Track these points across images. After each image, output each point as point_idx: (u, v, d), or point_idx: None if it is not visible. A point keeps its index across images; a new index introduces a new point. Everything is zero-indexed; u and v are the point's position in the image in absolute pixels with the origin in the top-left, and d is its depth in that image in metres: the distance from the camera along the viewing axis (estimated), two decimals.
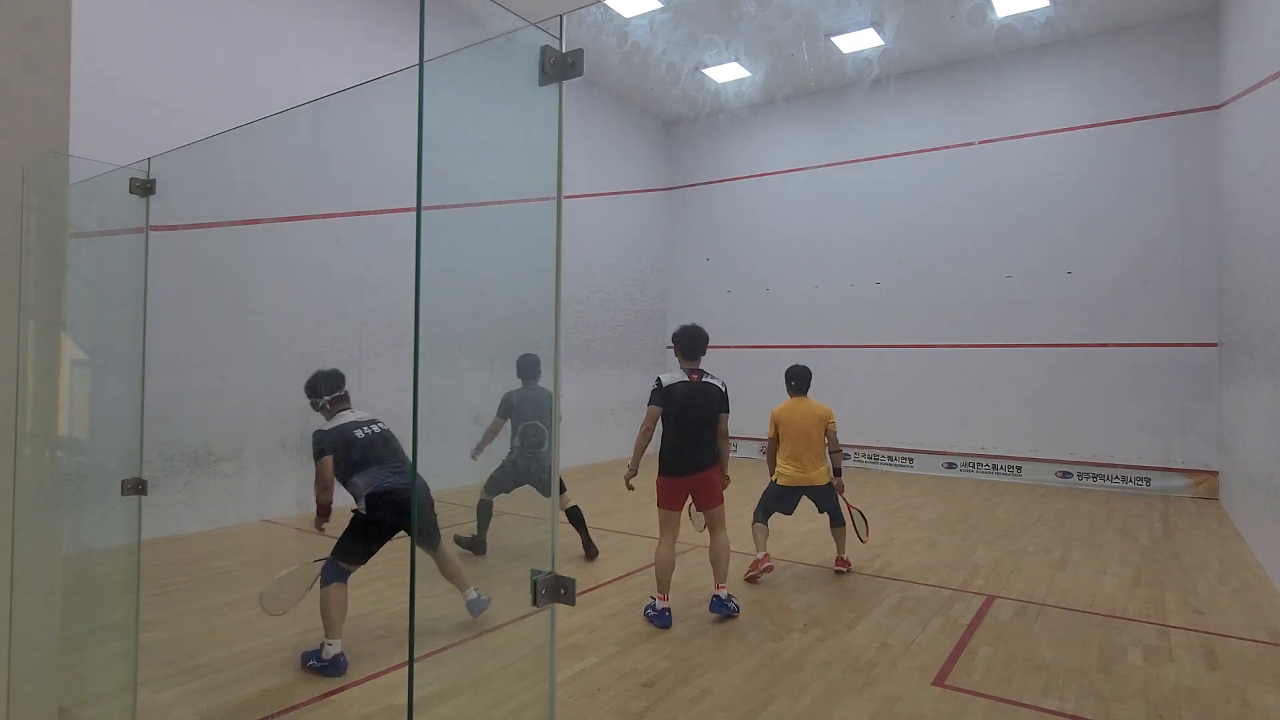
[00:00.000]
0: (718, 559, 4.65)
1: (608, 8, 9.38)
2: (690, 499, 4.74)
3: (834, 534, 5.65)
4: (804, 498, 5.59)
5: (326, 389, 4.38)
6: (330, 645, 3.73)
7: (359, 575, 5.43)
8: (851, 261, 11.78)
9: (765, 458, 5.84)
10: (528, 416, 5.61)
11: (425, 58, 1.52)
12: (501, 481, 5.82)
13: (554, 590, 1.62)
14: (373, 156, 7.89)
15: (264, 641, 4.14)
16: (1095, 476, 9.81)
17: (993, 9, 9.33)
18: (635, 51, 10.67)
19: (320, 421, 4.31)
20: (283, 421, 7.59)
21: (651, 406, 4.68)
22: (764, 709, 3.39)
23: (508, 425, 5.71)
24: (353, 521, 4.17)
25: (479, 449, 5.89)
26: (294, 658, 3.91)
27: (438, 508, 6.55)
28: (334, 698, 3.45)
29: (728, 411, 4.75)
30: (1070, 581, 5.51)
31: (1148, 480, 9.50)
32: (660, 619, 4.45)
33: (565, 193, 1.69)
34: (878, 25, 9.86)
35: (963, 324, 10.83)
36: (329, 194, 8.00)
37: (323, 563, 4.07)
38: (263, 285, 7.43)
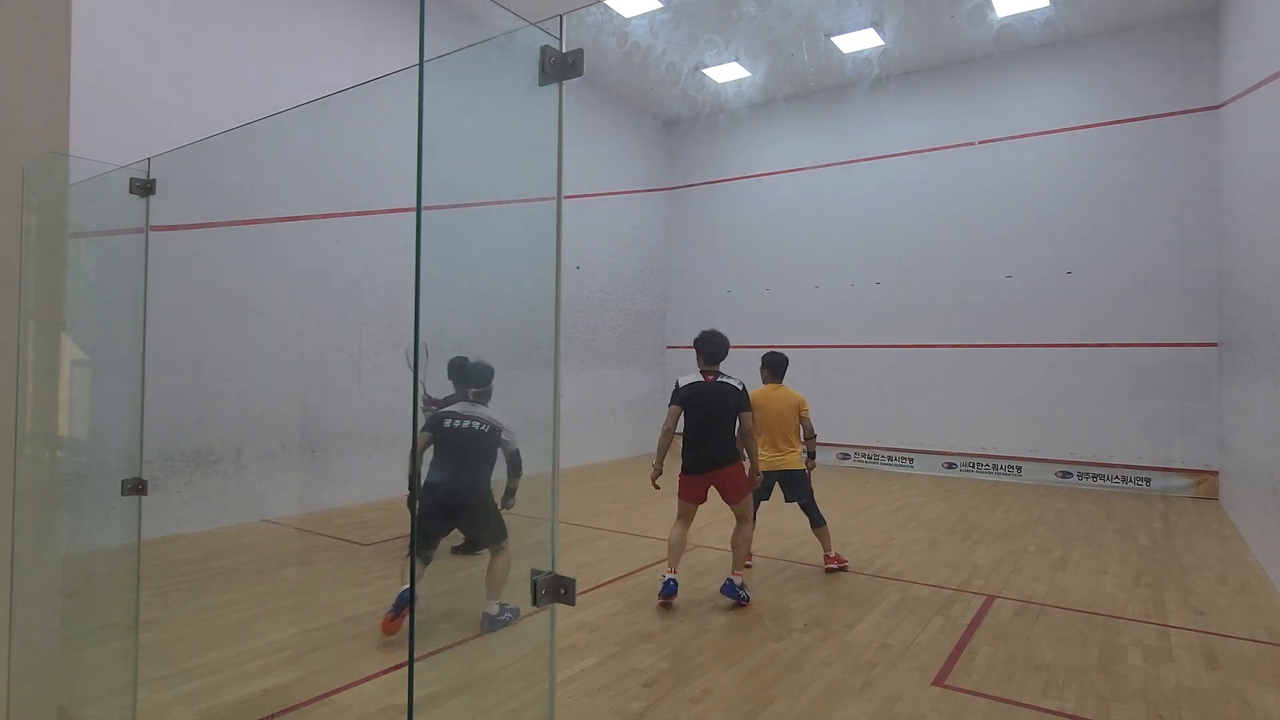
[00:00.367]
0: (737, 546, 4.93)
1: (608, 8, 9.38)
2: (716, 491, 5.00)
3: (816, 534, 5.70)
4: (776, 484, 5.67)
5: (466, 380, 4.42)
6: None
7: (359, 575, 5.45)
8: (851, 261, 11.78)
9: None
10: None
11: (425, 58, 1.52)
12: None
13: (554, 590, 1.62)
14: (372, 156, 7.89)
15: (264, 641, 4.14)
16: (1095, 476, 9.81)
17: (993, 9, 9.33)
18: (635, 51, 10.67)
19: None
20: (283, 421, 7.59)
21: (671, 407, 4.98)
22: (764, 709, 3.39)
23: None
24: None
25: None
26: (294, 657, 3.91)
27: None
28: (334, 698, 3.45)
29: (748, 410, 4.92)
30: (1070, 581, 5.51)
31: (1148, 480, 9.50)
32: (665, 588, 4.76)
33: (565, 193, 1.69)
34: (878, 25, 9.86)
35: (963, 324, 10.83)
36: (329, 194, 8.00)
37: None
38: (263, 285, 7.43)
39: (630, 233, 12.89)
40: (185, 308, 6.68)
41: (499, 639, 4.18)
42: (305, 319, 7.78)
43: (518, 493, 4.28)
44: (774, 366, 5.84)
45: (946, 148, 11.04)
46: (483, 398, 4.33)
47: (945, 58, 10.87)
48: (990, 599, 5.07)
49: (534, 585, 1.62)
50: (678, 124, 13.77)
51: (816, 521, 5.67)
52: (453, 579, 5.42)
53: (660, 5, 9.33)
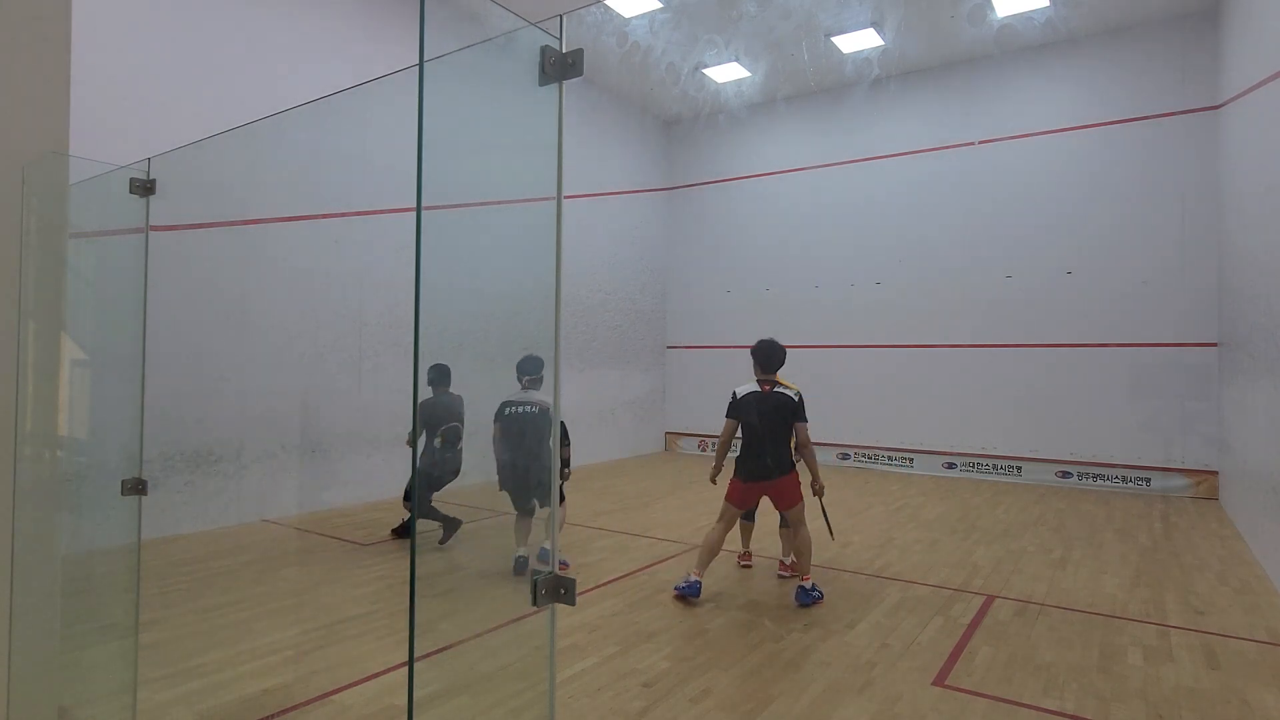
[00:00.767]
0: (799, 553, 4.95)
1: (608, 8, 9.38)
2: (768, 500, 5.06)
3: (781, 534, 5.57)
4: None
5: (522, 371, 5.02)
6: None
7: (359, 575, 5.45)
8: (851, 261, 11.78)
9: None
10: (443, 420, 5.91)
11: (425, 58, 1.52)
12: (439, 484, 6.07)
13: (554, 590, 1.62)
14: (372, 156, 7.89)
15: (264, 641, 4.14)
16: (1095, 476, 9.81)
17: (993, 9, 9.33)
18: (635, 51, 10.67)
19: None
20: (283, 421, 7.60)
21: (728, 420, 5.03)
22: (764, 709, 3.39)
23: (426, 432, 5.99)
24: None
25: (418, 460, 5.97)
26: (294, 657, 3.91)
27: (443, 508, 6.55)
28: (334, 698, 3.45)
29: (804, 420, 4.95)
30: (1070, 581, 5.51)
31: (1148, 480, 9.50)
32: (690, 589, 4.81)
33: (565, 193, 1.69)
34: (878, 25, 9.86)
35: (963, 324, 10.83)
36: (329, 194, 8.00)
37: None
38: (263, 285, 7.43)
39: (630, 233, 12.89)
40: (185, 308, 6.68)
41: (499, 639, 4.17)
42: (305, 319, 7.78)
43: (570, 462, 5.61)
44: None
45: (946, 148, 11.04)
46: (535, 384, 4.97)
47: (945, 58, 10.87)
48: (990, 599, 5.07)
49: (534, 585, 1.62)
50: (678, 124, 13.77)
51: (787, 523, 5.49)
52: (453, 578, 5.42)
53: (660, 5, 9.33)
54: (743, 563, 5.81)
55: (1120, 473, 9.66)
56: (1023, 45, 10.36)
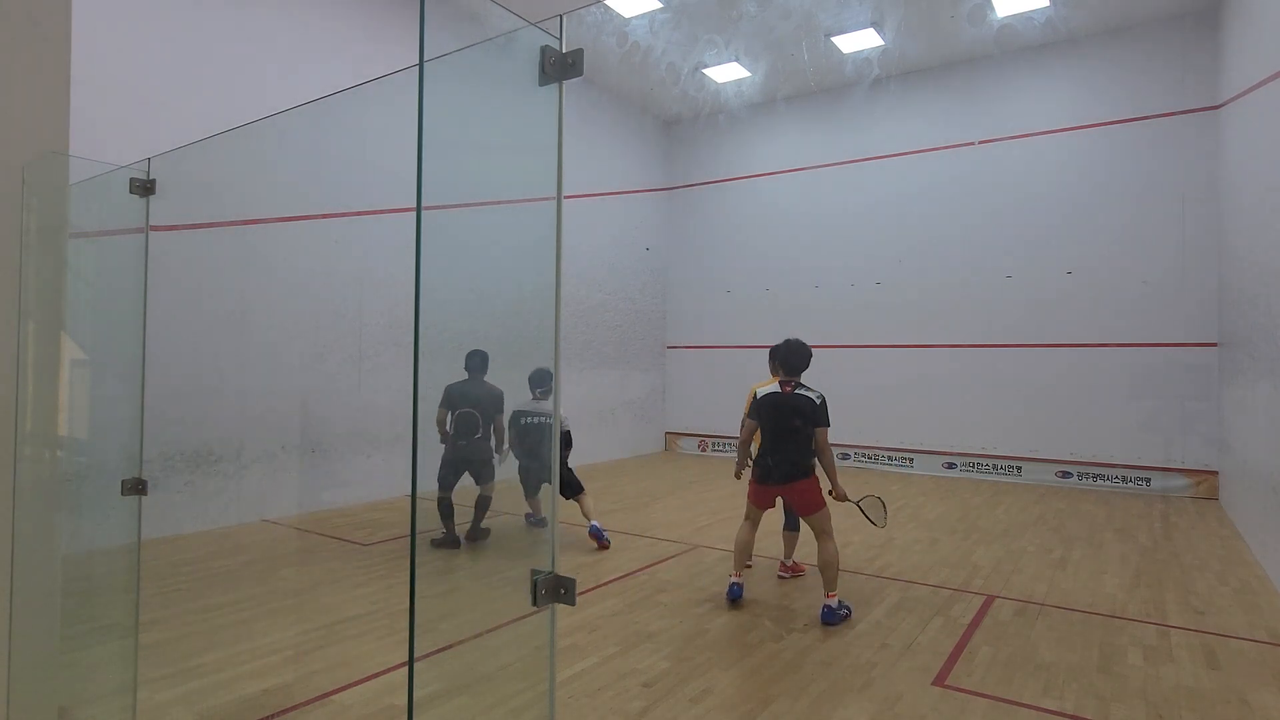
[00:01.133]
0: (824, 567, 4.66)
1: (608, 8, 9.38)
2: (783, 501, 5.06)
3: (785, 536, 5.54)
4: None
5: (534, 384, 5.53)
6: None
7: (359, 575, 5.45)
8: (851, 261, 11.78)
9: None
10: (459, 406, 6.01)
11: (425, 58, 1.52)
12: (444, 476, 6.12)
13: (554, 590, 1.62)
14: (373, 156, 7.89)
15: (264, 641, 4.14)
16: (1095, 476, 9.81)
17: (993, 9, 9.33)
18: (635, 51, 10.67)
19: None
20: (283, 421, 7.59)
21: (749, 420, 5.03)
22: (764, 709, 3.39)
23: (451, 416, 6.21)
24: None
25: (443, 443, 6.04)
26: (294, 657, 3.91)
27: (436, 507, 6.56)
28: (334, 698, 3.45)
29: (825, 424, 4.79)
30: (1070, 581, 5.51)
31: (1148, 480, 9.50)
32: (730, 591, 4.86)
33: (565, 193, 1.69)
34: (878, 25, 9.86)
35: (963, 324, 10.83)
36: (329, 194, 8.00)
37: None
38: (263, 285, 7.43)
39: (630, 233, 12.89)
40: (185, 308, 6.68)
41: (499, 639, 4.17)
42: (305, 319, 7.78)
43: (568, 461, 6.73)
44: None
45: (946, 148, 11.04)
46: (545, 396, 5.52)
47: (945, 58, 10.87)
48: (990, 599, 5.07)
49: (534, 585, 1.61)
50: (677, 124, 13.77)
51: (793, 525, 5.52)
52: (453, 578, 5.42)
53: (660, 5, 9.33)
54: (781, 573, 5.61)
55: (1120, 473, 9.66)
56: (1023, 45, 10.36)
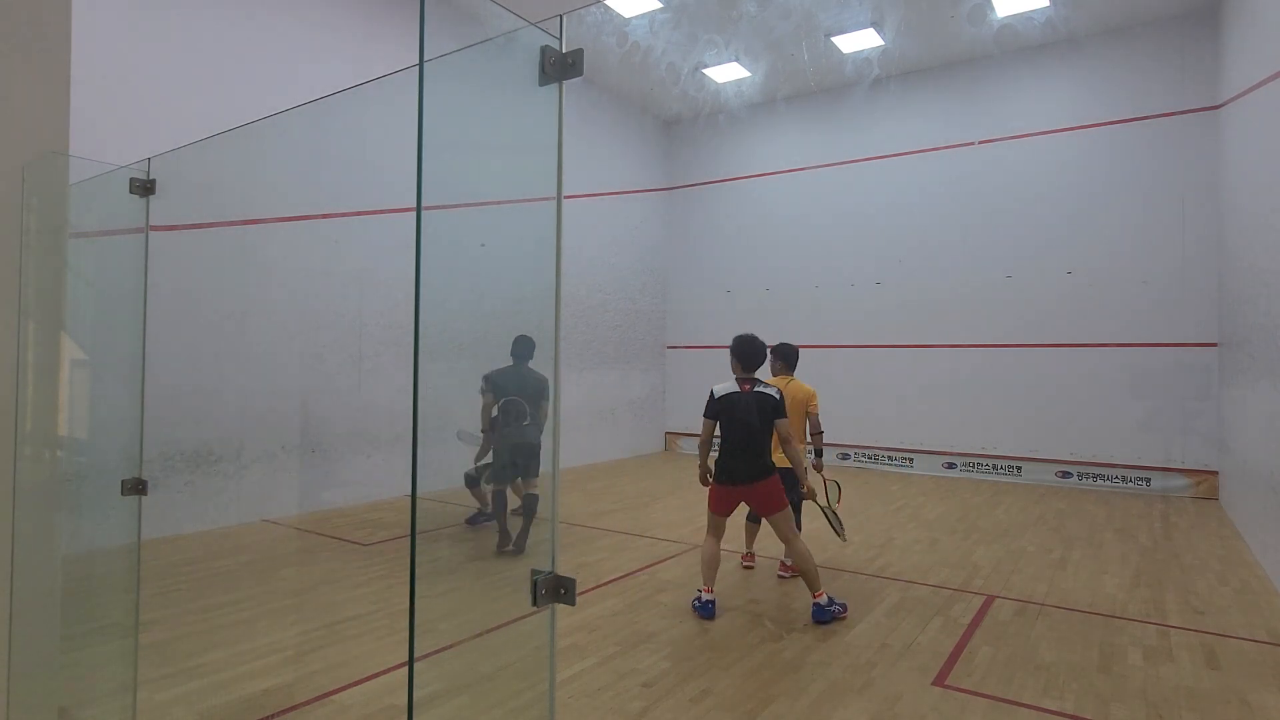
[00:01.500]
0: (801, 570, 4.60)
1: (608, 8, 9.38)
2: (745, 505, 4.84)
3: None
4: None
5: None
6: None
7: (359, 575, 5.45)
8: (851, 261, 11.78)
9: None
10: (509, 392, 5.95)
11: (425, 58, 1.52)
12: (501, 470, 6.19)
13: (554, 590, 1.62)
14: (372, 156, 7.89)
15: (264, 641, 4.14)
16: (1095, 476, 9.81)
17: (993, 9, 9.33)
18: (635, 51, 10.67)
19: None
20: (283, 421, 7.59)
21: (707, 420, 4.80)
22: (764, 709, 3.39)
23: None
24: None
25: (485, 433, 5.95)
26: (294, 657, 3.91)
27: (438, 509, 6.60)
28: (334, 698, 3.45)
29: (784, 416, 4.74)
30: (1070, 581, 5.51)
31: (1148, 480, 9.50)
32: (704, 609, 4.63)
33: (565, 193, 1.69)
34: (878, 25, 9.86)
35: (963, 324, 10.83)
36: (329, 194, 8.00)
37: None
38: (263, 285, 7.43)
39: (630, 233, 12.89)
40: (185, 308, 6.68)
41: (499, 639, 4.18)
42: (305, 319, 7.79)
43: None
44: (787, 358, 5.68)
45: (946, 148, 11.04)
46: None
47: (945, 58, 10.87)
48: (990, 599, 5.07)
49: (534, 585, 1.61)
50: (678, 124, 13.76)
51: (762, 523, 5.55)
52: (453, 578, 5.41)
53: (660, 5, 9.33)
54: (745, 564, 5.78)
55: (1120, 473, 9.66)
56: (1023, 45, 10.36)
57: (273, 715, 3.28)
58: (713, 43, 10.50)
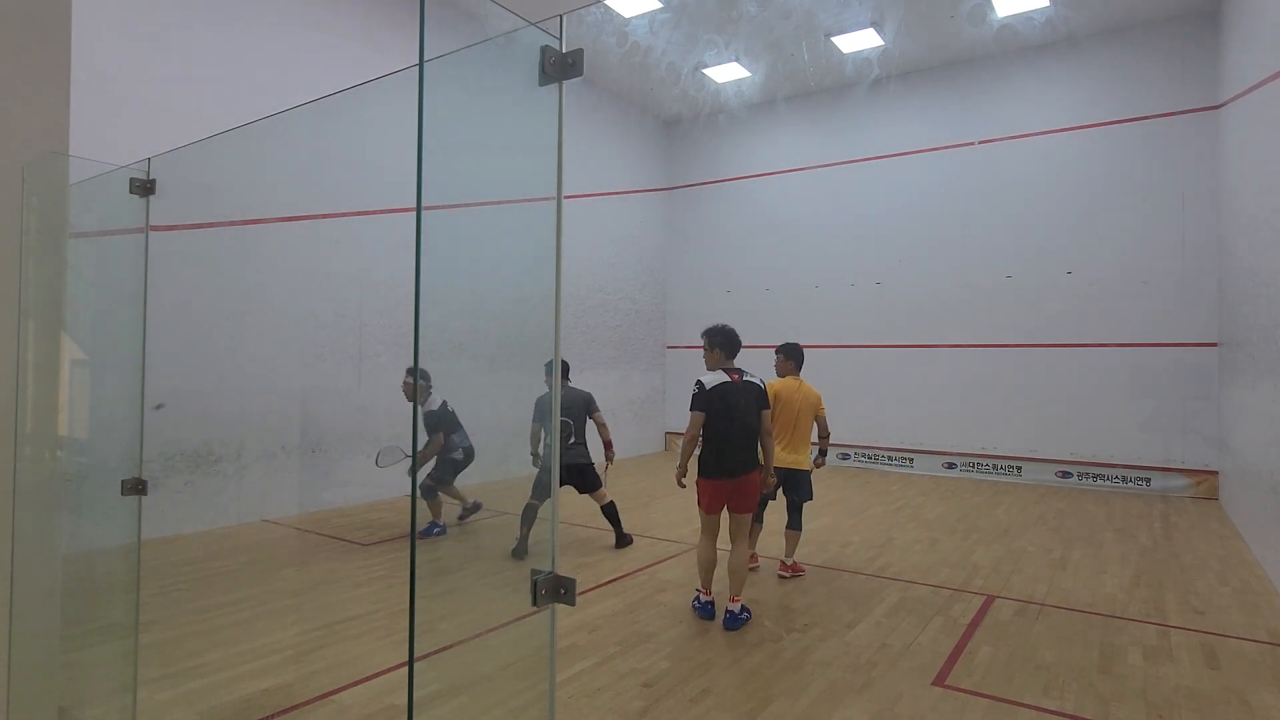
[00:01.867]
0: (734, 570, 4.51)
1: (608, 8, 9.38)
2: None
3: (786, 535, 5.52)
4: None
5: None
6: None
7: (360, 574, 5.45)
8: (851, 261, 11.78)
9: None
10: (563, 412, 6.15)
11: (425, 58, 1.52)
12: (546, 485, 6.10)
13: (554, 590, 1.62)
14: (372, 156, 7.89)
15: (264, 641, 4.14)
16: (1095, 476, 9.81)
17: (993, 9, 9.33)
18: (635, 51, 10.67)
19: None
20: (283, 421, 7.59)
21: (696, 413, 4.55)
22: (764, 709, 3.39)
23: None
24: None
25: (534, 455, 5.91)
26: (294, 657, 3.91)
27: (437, 509, 6.61)
28: (334, 698, 3.45)
29: (769, 409, 4.69)
30: (1070, 581, 5.51)
31: (1148, 480, 9.50)
32: (704, 610, 4.60)
33: (565, 193, 1.69)
34: (878, 25, 9.86)
35: (962, 324, 10.83)
36: (329, 194, 8.00)
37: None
38: (263, 285, 7.43)
39: (630, 233, 12.89)
40: (185, 308, 6.68)
41: (499, 639, 4.18)
42: (305, 319, 7.78)
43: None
44: (796, 357, 5.55)
45: (946, 148, 11.04)
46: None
47: (945, 58, 10.87)
48: (990, 599, 5.07)
49: (534, 585, 1.61)
50: (678, 124, 13.76)
51: (795, 524, 5.50)
52: (453, 578, 5.41)
53: (660, 5, 9.33)
54: (781, 573, 5.57)
55: (1120, 473, 9.66)
56: (1023, 45, 10.36)
57: (273, 715, 3.28)
58: (713, 43, 10.50)
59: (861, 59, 10.89)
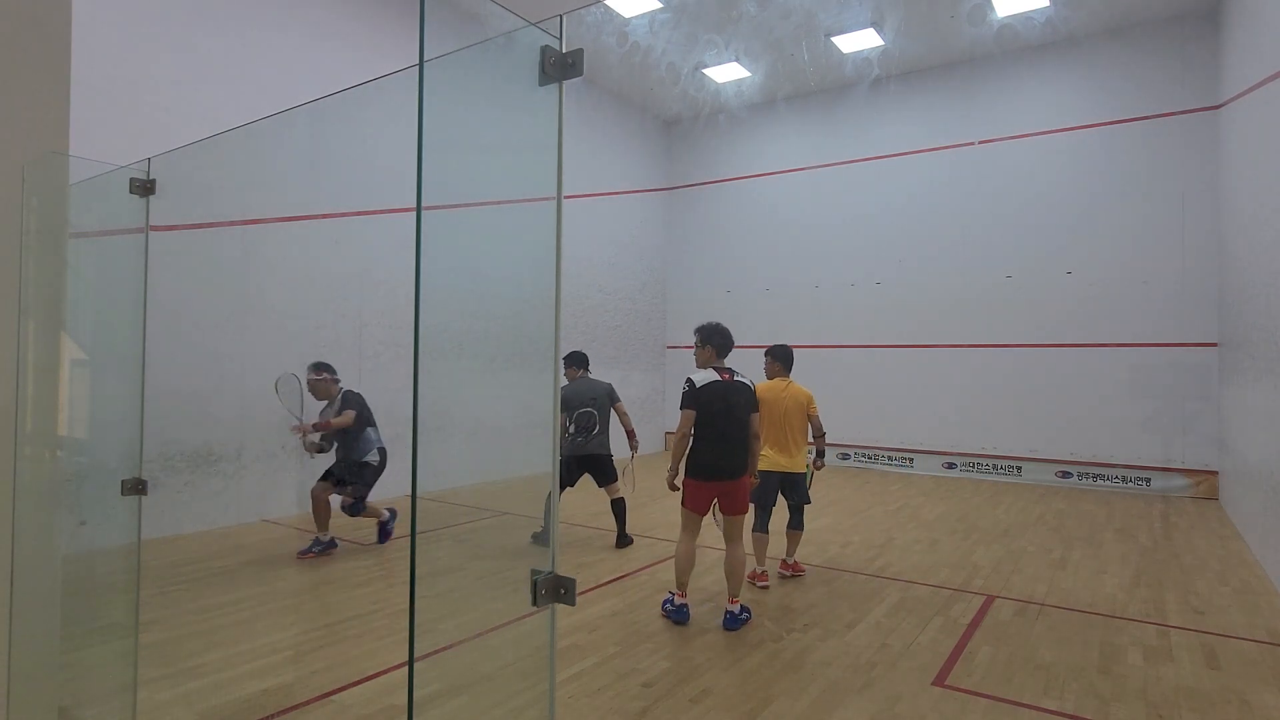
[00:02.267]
0: (732, 571, 4.49)
1: (608, 8, 9.38)
2: (715, 502, 4.60)
3: (788, 535, 5.49)
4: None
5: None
6: None
7: (360, 574, 5.45)
8: (851, 261, 11.78)
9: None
10: (577, 406, 6.26)
11: (425, 58, 1.52)
12: (568, 474, 6.31)
13: (554, 590, 1.62)
14: (372, 157, 7.89)
15: (264, 641, 4.14)
16: (1095, 476, 9.81)
17: (993, 9, 9.33)
18: (635, 51, 10.67)
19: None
20: (283, 422, 7.58)
21: (686, 411, 4.47)
22: (764, 709, 3.39)
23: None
24: None
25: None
26: (294, 657, 3.91)
27: (438, 509, 6.60)
28: (334, 698, 3.45)
29: (757, 410, 4.65)
30: (1070, 581, 5.51)
31: (1148, 480, 9.50)
32: (678, 614, 4.48)
33: (565, 193, 1.69)
34: (878, 25, 9.86)
35: (962, 324, 10.83)
36: (329, 194, 8.00)
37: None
38: (263, 285, 7.42)
39: (630, 233, 12.89)
40: (185, 308, 6.68)
41: (499, 639, 4.17)
42: (305, 319, 7.78)
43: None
44: (784, 359, 5.51)
45: (946, 148, 11.04)
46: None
47: (945, 58, 10.87)
48: (990, 599, 5.07)
49: (534, 585, 1.61)
50: (678, 124, 13.77)
51: (796, 524, 5.48)
52: (453, 578, 5.41)
53: (660, 5, 9.33)
54: (781, 572, 5.51)
55: (1120, 473, 9.66)
56: (1023, 45, 10.36)
57: (273, 715, 3.28)
58: (713, 43, 10.50)
59: (861, 59, 10.89)
